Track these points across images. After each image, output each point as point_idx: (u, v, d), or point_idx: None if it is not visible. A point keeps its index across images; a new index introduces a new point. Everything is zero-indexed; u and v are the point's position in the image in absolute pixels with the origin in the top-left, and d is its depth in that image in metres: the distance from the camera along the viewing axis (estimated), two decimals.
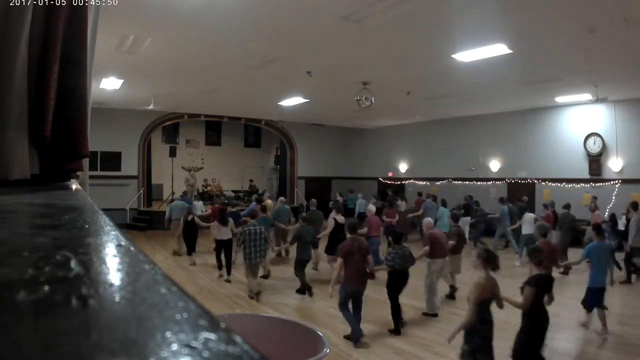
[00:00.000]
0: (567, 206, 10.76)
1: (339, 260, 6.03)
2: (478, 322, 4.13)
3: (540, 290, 4.39)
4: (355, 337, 5.75)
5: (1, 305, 0.29)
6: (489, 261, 4.28)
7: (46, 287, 0.32)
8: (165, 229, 12.44)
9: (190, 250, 10.62)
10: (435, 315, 6.78)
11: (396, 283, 6.33)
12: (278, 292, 8.25)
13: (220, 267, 9.21)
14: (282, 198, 12.84)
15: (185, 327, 0.27)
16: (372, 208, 10.29)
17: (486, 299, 4.17)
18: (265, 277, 9.06)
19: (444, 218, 10.62)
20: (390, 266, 6.34)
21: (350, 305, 5.95)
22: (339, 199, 16.16)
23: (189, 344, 0.25)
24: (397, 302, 6.27)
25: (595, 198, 11.59)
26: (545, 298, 4.62)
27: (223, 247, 9.06)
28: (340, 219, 9.09)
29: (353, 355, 5.37)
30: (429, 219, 8.21)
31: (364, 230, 9.00)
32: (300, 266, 8.16)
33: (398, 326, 6.15)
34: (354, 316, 5.87)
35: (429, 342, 5.76)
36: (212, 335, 0.26)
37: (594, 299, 6.08)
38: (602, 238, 6.50)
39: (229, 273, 9.03)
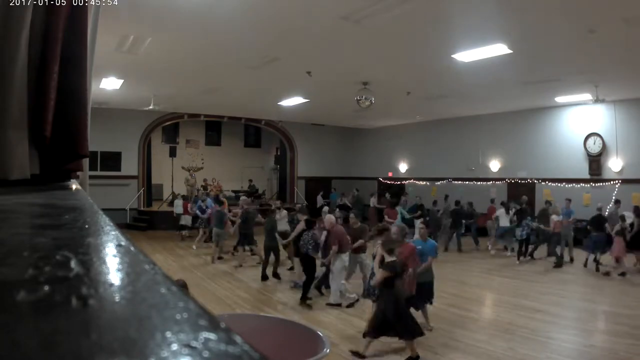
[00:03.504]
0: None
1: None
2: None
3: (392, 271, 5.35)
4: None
5: (1, 305, 0.29)
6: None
7: (46, 287, 0.32)
8: (163, 229, 13.71)
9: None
10: (339, 305, 7.08)
11: (307, 266, 6.97)
12: (277, 291, 8.25)
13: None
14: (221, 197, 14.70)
15: (185, 327, 0.27)
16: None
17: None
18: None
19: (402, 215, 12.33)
20: (304, 251, 7.15)
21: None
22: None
23: (189, 344, 0.25)
24: (310, 281, 6.98)
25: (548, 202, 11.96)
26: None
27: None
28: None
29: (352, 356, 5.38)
30: (331, 215, 8.10)
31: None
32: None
33: (305, 297, 7.01)
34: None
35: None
36: (212, 335, 0.26)
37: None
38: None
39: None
